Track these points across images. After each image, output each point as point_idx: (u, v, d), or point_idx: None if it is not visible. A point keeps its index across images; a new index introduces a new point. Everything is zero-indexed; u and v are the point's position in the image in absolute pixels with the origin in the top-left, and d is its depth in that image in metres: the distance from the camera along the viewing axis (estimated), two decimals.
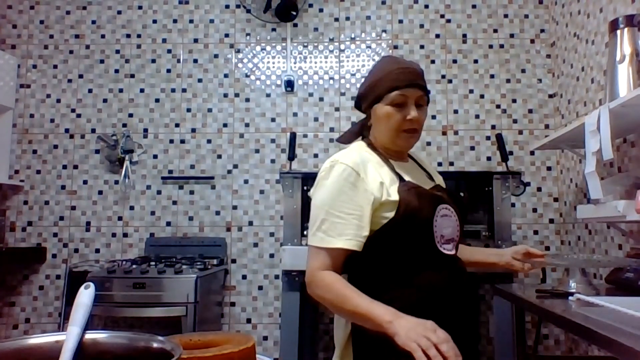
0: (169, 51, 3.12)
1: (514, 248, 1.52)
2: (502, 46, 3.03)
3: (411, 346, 0.96)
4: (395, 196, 1.20)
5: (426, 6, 3.08)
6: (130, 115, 3.07)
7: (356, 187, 1.21)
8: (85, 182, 3.03)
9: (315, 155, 3.00)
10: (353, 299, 1.11)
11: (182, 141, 3.05)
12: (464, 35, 3.05)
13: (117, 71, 3.11)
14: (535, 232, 2.89)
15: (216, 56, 3.11)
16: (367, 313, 1.07)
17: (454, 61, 3.04)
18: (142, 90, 3.09)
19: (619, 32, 1.81)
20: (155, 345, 0.68)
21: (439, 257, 1.23)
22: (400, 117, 1.26)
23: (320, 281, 1.17)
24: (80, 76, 3.11)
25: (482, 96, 3.01)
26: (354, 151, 1.29)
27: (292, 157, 2.59)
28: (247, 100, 3.07)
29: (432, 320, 1.03)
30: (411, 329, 0.99)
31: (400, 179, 1.26)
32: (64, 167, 3.04)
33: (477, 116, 3.00)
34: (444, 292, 1.20)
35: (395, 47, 3.06)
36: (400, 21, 3.08)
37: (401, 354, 0.99)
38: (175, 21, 3.14)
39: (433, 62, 3.05)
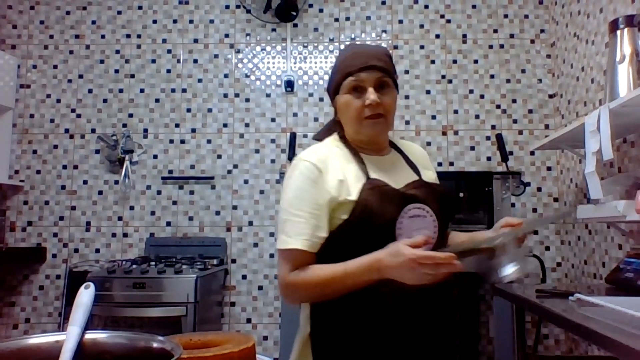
0: (169, 51, 3.12)
1: (495, 225, 1.24)
2: (502, 46, 3.03)
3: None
4: (354, 196, 1.12)
5: (426, 6, 3.08)
6: (130, 115, 3.07)
7: (317, 185, 1.15)
8: (85, 182, 3.03)
9: None
10: (335, 277, 1.09)
11: (182, 141, 3.05)
12: (464, 36, 3.05)
13: (117, 71, 3.11)
14: (535, 232, 2.89)
15: (216, 56, 3.11)
16: (359, 277, 1.07)
17: (454, 61, 3.04)
18: (142, 91, 3.09)
19: (619, 32, 1.81)
20: (155, 345, 0.68)
21: None
22: (359, 104, 1.17)
23: (293, 286, 1.13)
24: (80, 76, 3.11)
25: (482, 96, 3.01)
26: (322, 147, 1.24)
27: (292, 157, 2.60)
28: (247, 100, 3.07)
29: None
30: (405, 276, 1.01)
31: (367, 176, 1.16)
32: (64, 167, 3.04)
33: (477, 116, 3.00)
34: (408, 299, 1.10)
35: (395, 47, 3.07)
36: (400, 21, 3.08)
37: (360, 351, 1.02)
38: (175, 21, 3.14)
39: (433, 62, 3.05)
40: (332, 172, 1.16)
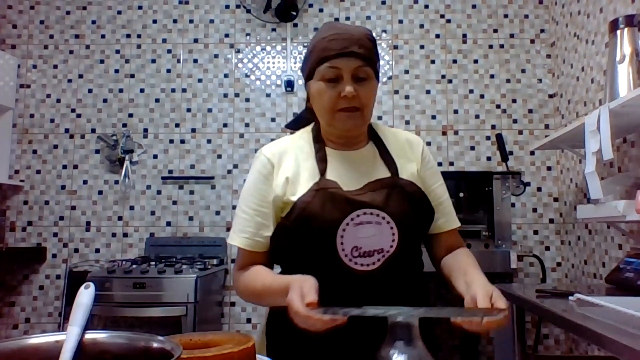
0: (169, 51, 3.11)
1: (472, 291, 0.92)
2: (502, 46, 3.03)
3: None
4: (296, 196, 1.06)
5: (426, 6, 3.08)
6: (130, 115, 3.07)
7: (267, 180, 1.11)
8: (85, 182, 3.03)
9: None
10: (262, 292, 1.04)
11: (182, 141, 3.05)
12: (464, 35, 3.05)
13: (117, 71, 3.11)
14: (535, 232, 2.89)
15: (216, 56, 3.11)
16: (278, 297, 0.96)
17: (454, 61, 3.04)
18: (142, 90, 3.09)
19: (619, 32, 1.81)
20: (155, 345, 0.68)
21: (342, 273, 1.02)
22: (333, 94, 1.06)
23: (236, 284, 1.13)
24: (80, 76, 3.11)
25: (482, 96, 3.01)
26: (284, 140, 1.18)
27: None
28: (247, 100, 3.07)
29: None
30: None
31: (321, 175, 1.08)
32: (64, 167, 3.04)
33: (477, 116, 3.00)
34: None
35: (395, 47, 3.07)
36: (400, 21, 3.08)
37: (310, 344, 0.96)
38: (175, 21, 3.14)
39: (433, 62, 3.04)
40: (283, 169, 1.11)
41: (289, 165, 1.11)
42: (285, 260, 1.14)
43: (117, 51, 3.12)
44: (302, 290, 0.88)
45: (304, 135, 1.19)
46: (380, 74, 1.15)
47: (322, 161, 1.10)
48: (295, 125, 1.29)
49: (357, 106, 1.07)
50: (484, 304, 0.86)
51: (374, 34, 3.22)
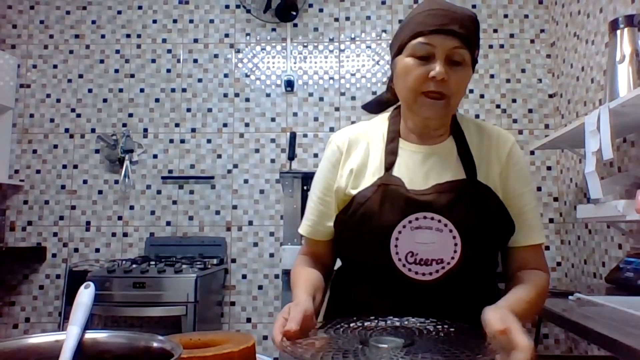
0: (169, 51, 3.11)
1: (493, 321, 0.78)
2: (502, 46, 3.03)
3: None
4: (356, 191, 1.00)
5: None
6: (130, 115, 3.07)
7: (334, 169, 1.05)
8: (85, 182, 3.03)
9: (315, 155, 3.00)
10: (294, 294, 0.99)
11: (182, 141, 3.05)
12: None
13: (117, 71, 3.11)
14: None
15: (216, 56, 3.11)
16: None
17: None
18: (142, 90, 3.09)
19: (619, 32, 1.81)
20: (155, 344, 0.68)
21: (395, 279, 0.94)
22: (421, 72, 0.94)
23: (292, 271, 1.10)
24: (80, 76, 3.11)
25: (482, 96, 3.01)
26: (359, 126, 1.10)
27: (292, 156, 2.59)
28: (247, 100, 3.07)
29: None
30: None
31: (386, 170, 1.00)
32: (64, 167, 3.04)
33: (477, 116, 3.00)
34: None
35: None
36: (400, 21, 3.07)
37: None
38: (175, 21, 3.13)
39: None
40: (351, 159, 1.04)
41: (357, 156, 1.03)
42: (342, 255, 1.10)
43: (117, 51, 3.12)
44: (288, 315, 0.84)
45: (380, 122, 1.09)
46: (475, 65, 1.01)
47: (391, 154, 1.01)
48: (372, 107, 1.17)
49: (445, 92, 0.94)
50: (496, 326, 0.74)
51: (374, 34, 3.22)
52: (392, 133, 1.04)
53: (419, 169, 1.00)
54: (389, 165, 1.00)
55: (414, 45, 0.95)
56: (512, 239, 1.01)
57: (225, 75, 3.09)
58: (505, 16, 3.04)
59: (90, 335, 0.70)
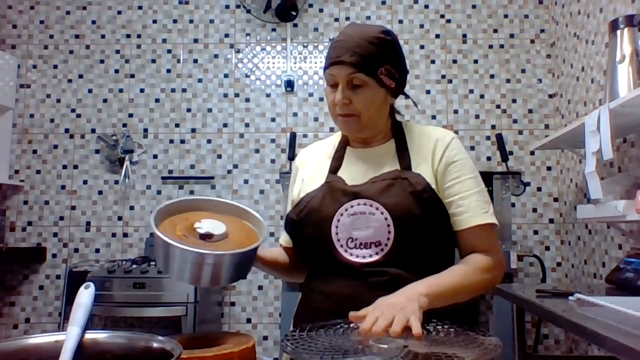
0: (169, 51, 3.11)
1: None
2: (502, 46, 3.03)
3: None
4: (304, 193, 1.14)
5: (426, 6, 3.08)
6: (130, 115, 3.07)
7: (294, 183, 1.23)
8: (85, 182, 3.03)
9: None
10: None
11: (182, 141, 3.05)
12: (464, 35, 3.05)
13: (117, 71, 3.11)
14: (535, 232, 2.89)
15: (216, 56, 3.11)
16: None
17: (454, 61, 3.04)
18: (142, 90, 3.09)
19: (619, 32, 1.81)
20: (155, 345, 0.68)
21: (338, 265, 1.04)
22: (332, 98, 1.09)
23: None
24: (80, 76, 3.11)
25: (482, 96, 3.01)
26: (318, 143, 1.29)
27: (292, 157, 2.60)
28: (247, 100, 3.07)
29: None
30: None
31: (331, 173, 1.14)
32: (64, 167, 3.04)
33: (477, 116, 3.00)
34: (342, 303, 0.96)
35: None
36: (400, 21, 3.08)
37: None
38: (175, 21, 3.13)
39: (433, 62, 3.04)
40: (303, 171, 1.21)
41: (309, 168, 1.20)
42: (299, 253, 1.20)
43: (117, 51, 3.12)
44: None
45: (335, 137, 1.24)
46: (394, 73, 1.11)
47: (337, 160, 1.16)
48: None
49: (351, 112, 1.08)
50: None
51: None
52: (342, 143, 1.19)
53: (360, 167, 1.13)
54: (334, 169, 1.14)
55: (326, 75, 1.11)
56: (456, 223, 1.07)
57: (225, 76, 3.09)
58: (505, 16, 3.04)
59: (90, 335, 0.70)
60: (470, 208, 1.07)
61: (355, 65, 1.05)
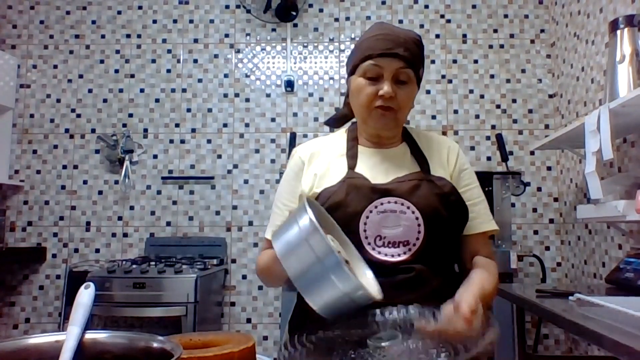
0: (169, 51, 3.11)
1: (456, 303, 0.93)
2: (502, 46, 3.03)
3: None
4: (321, 189, 1.08)
5: (426, 6, 3.08)
6: (130, 115, 3.07)
7: (297, 177, 1.15)
8: (85, 182, 3.03)
9: None
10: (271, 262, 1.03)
11: (182, 141, 3.05)
12: (464, 36, 3.05)
13: (117, 71, 3.11)
14: (535, 232, 2.89)
15: (216, 56, 3.11)
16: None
17: (454, 61, 3.04)
18: (142, 90, 3.09)
19: (619, 32, 1.81)
20: (155, 345, 0.68)
21: (366, 262, 1.01)
22: (371, 91, 1.07)
23: (257, 266, 1.15)
24: (80, 76, 3.11)
25: (482, 96, 3.01)
26: (320, 139, 1.22)
27: None
28: (247, 100, 3.07)
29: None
30: None
31: (349, 169, 1.10)
32: (64, 167, 3.04)
33: (477, 116, 3.00)
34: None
35: None
36: (400, 21, 3.08)
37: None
38: (175, 21, 3.13)
39: (433, 62, 3.04)
40: (313, 166, 1.14)
41: (320, 164, 1.14)
42: None
43: (117, 51, 3.12)
44: None
45: (338, 136, 1.21)
46: (420, 82, 1.15)
47: (352, 158, 1.13)
48: (333, 121, 1.29)
49: (393, 107, 1.08)
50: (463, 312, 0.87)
51: None
52: (352, 141, 1.16)
53: (379, 167, 1.12)
54: (352, 166, 1.11)
55: (365, 67, 1.08)
56: (466, 227, 1.12)
57: (225, 76, 3.09)
58: (505, 16, 3.04)
59: (90, 335, 0.70)
60: (481, 214, 1.14)
61: (407, 60, 1.06)
